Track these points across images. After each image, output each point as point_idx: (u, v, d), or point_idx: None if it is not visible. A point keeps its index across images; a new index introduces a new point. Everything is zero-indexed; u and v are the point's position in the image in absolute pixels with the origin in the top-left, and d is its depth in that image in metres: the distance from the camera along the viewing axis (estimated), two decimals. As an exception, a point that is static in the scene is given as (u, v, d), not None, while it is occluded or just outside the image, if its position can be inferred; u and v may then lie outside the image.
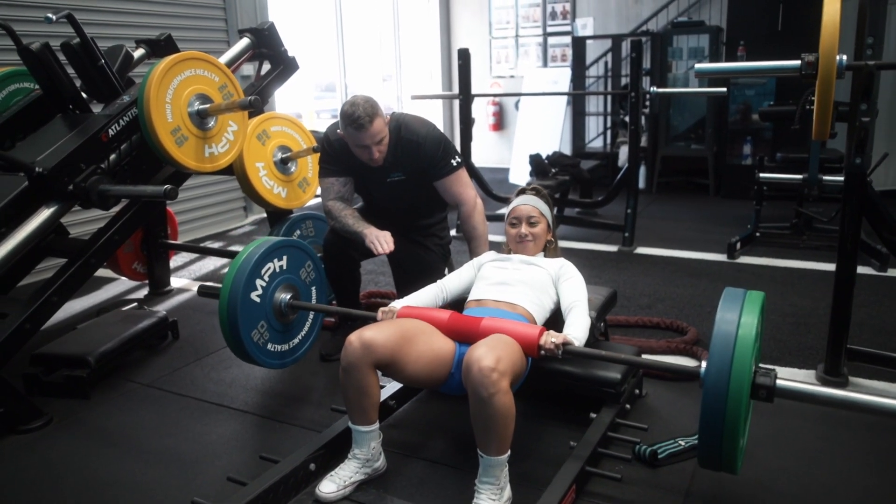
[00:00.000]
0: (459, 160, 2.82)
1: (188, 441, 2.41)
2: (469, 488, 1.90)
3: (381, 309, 2.24)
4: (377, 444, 2.07)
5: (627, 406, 2.42)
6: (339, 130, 2.65)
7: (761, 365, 1.78)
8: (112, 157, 2.95)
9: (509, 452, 1.86)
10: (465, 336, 2.11)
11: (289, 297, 2.48)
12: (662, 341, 3.06)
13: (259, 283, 2.39)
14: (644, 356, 2.77)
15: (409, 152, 2.72)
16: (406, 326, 2.08)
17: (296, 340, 2.58)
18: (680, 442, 2.21)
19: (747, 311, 1.74)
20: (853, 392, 1.72)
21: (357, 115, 2.52)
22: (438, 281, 2.49)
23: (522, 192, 2.53)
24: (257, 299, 2.38)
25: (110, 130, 2.92)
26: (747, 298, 1.79)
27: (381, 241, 2.57)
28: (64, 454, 2.35)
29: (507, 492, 1.90)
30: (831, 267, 4.10)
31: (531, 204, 2.45)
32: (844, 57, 2.23)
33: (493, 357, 1.80)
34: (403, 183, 2.79)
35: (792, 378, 2.69)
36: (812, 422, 2.40)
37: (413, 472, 2.16)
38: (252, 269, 2.36)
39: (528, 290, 2.28)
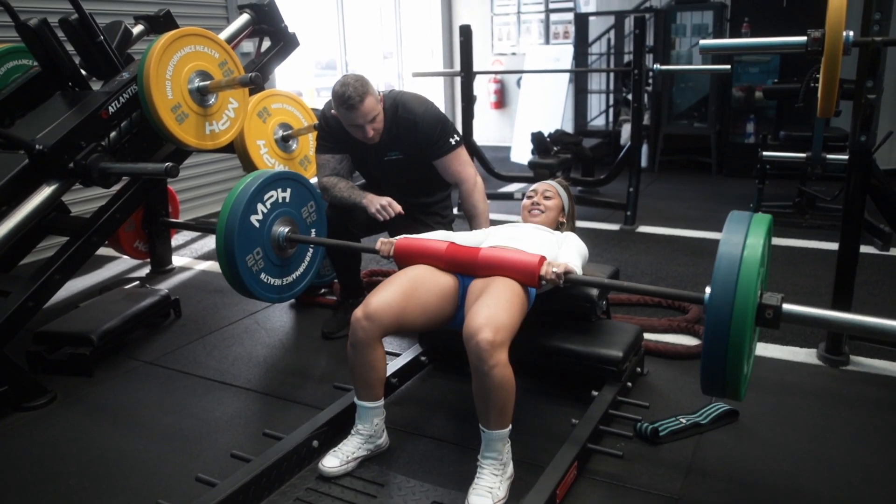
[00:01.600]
0: (458, 139, 2.81)
1: (191, 418, 2.42)
2: (471, 465, 1.91)
3: (381, 240, 2.29)
4: (380, 420, 2.08)
5: (629, 384, 2.43)
6: (332, 111, 2.64)
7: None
8: (112, 134, 2.94)
9: (510, 427, 1.87)
10: (464, 268, 2.13)
11: (287, 230, 2.48)
12: (664, 320, 3.06)
13: (260, 207, 2.39)
14: (647, 336, 2.79)
15: (405, 131, 2.71)
16: (405, 283, 2.07)
17: (293, 277, 2.58)
18: (681, 420, 2.23)
19: (753, 233, 1.65)
20: (859, 315, 1.65)
21: (348, 95, 2.52)
22: (450, 231, 2.51)
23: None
24: (256, 223, 2.38)
25: (110, 107, 2.90)
26: (753, 220, 1.69)
27: (387, 208, 2.61)
28: (68, 431, 2.36)
29: (510, 468, 1.91)
30: (833, 246, 4.09)
31: (550, 182, 2.60)
32: (851, 33, 2.21)
33: (491, 329, 1.80)
34: (401, 161, 2.78)
35: (793, 357, 2.74)
36: (812, 400, 2.41)
37: (415, 448, 2.17)
38: (255, 191, 2.37)
39: (536, 244, 2.27)
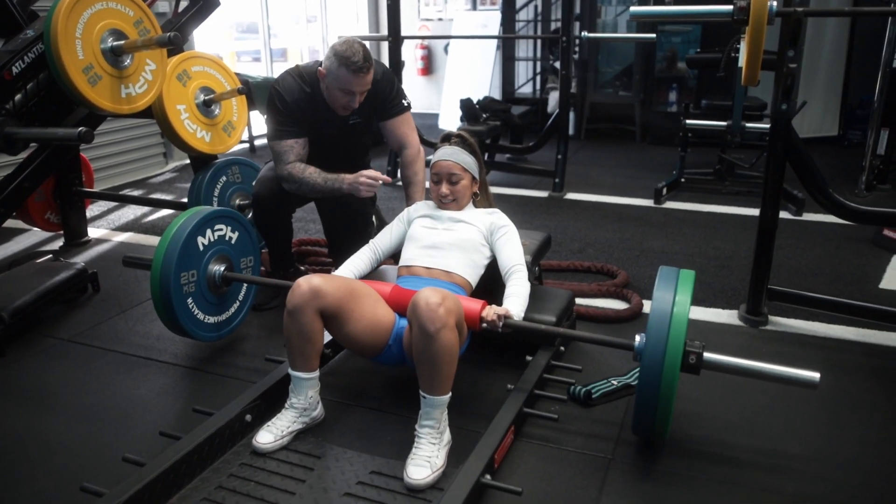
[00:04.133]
0: (409, 102, 2.80)
1: (115, 396, 2.32)
2: (408, 434, 1.90)
3: None
4: (315, 392, 2.04)
5: (562, 348, 2.47)
6: (321, 68, 2.51)
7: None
8: (17, 97, 2.74)
9: (451, 394, 1.87)
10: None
11: (223, 268, 2.47)
12: (594, 284, 3.12)
13: (209, 234, 2.43)
14: (577, 301, 2.84)
15: (367, 92, 2.62)
16: (353, 284, 2.08)
17: (226, 315, 2.57)
18: (612, 382, 2.28)
19: (681, 290, 1.86)
20: (771, 365, 1.87)
21: (358, 60, 2.42)
22: (370, 241, 2.45)
23: (447, 139, 2.41)
24: (200, 246, 2.40)
25: (14, 68, 2.70)
26: (681, 277, 1.91)
27: (370, 184, 2.53)
28: (-21, 414, 2.23)
29: (447, 435, 1.92)
30: (752, 211, 4.26)
31: (452, 159, 2.33)
32: (775, 3, 2.27)
33: (439, 296, 1.81)
34: (358, 126, 2.72)
35: (716, 318, 2.84)
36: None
37: (351, 419, 2.15)
38: (209, 216, 2.42)
39: (459, 253, 2.26)
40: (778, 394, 2.28)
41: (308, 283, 1.94)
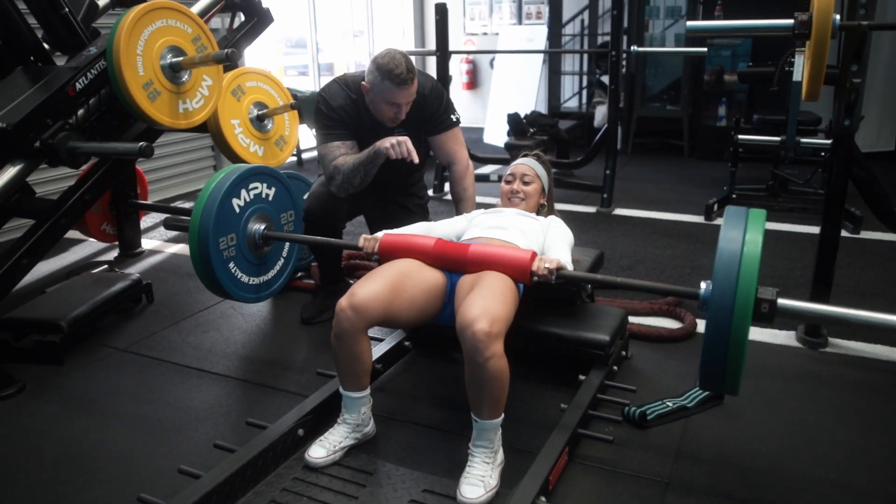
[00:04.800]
0: (458, 117, 2.79)
1: (170, 407, 2.35)
2: (460, 452, 1.89)
3: (364, 236, 2.20)
4: (367, 409, 2.04)
5: (615, 368, 2.42)
6: (364, 83, 2.52)
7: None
8: (80, 112, 2.82)
9: (503, 416, 1.85)
10: (453, 265, 2.09)
11: (263, 227, 2.36)
12: (646, 303, 3.07)
13: (243, 194, 2.30)
14: (629, 319, 2.78)
15: (414, 106, 2.63)
16: (392, 275, 2.01)
17: (269, 275, 2.46)
18: (668, 403, 2.23)
19: (752, 228, 1.64)
20: (858, 311, 1.66)
21: (401, 72, 2.43)
22: (428, 222, 2.45)
23: (525, 154, 2.58)
24: (237, 208, 2.28)
25: (77, 84, 2.78)
26: (751, 216, 1.69)
27: (401, 144, 2.44)
28: (40, 422, 2.27)
29: (500, 455, 1.89)
30: (806, 229, 4.15)
31: (528, 164, 2.51)
32: (838, 16, 2.21)
33: (487, 320, 1.76)
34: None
35: (773, 339, 2.76)
36: (794, 382, 2.43)
37: (403, 436, 2.13)
38: (241, 176, 2.27)
39: (521, 235, 2.24)
40: (841, 418, 2.21)
41: (350, 304, 1.90)
